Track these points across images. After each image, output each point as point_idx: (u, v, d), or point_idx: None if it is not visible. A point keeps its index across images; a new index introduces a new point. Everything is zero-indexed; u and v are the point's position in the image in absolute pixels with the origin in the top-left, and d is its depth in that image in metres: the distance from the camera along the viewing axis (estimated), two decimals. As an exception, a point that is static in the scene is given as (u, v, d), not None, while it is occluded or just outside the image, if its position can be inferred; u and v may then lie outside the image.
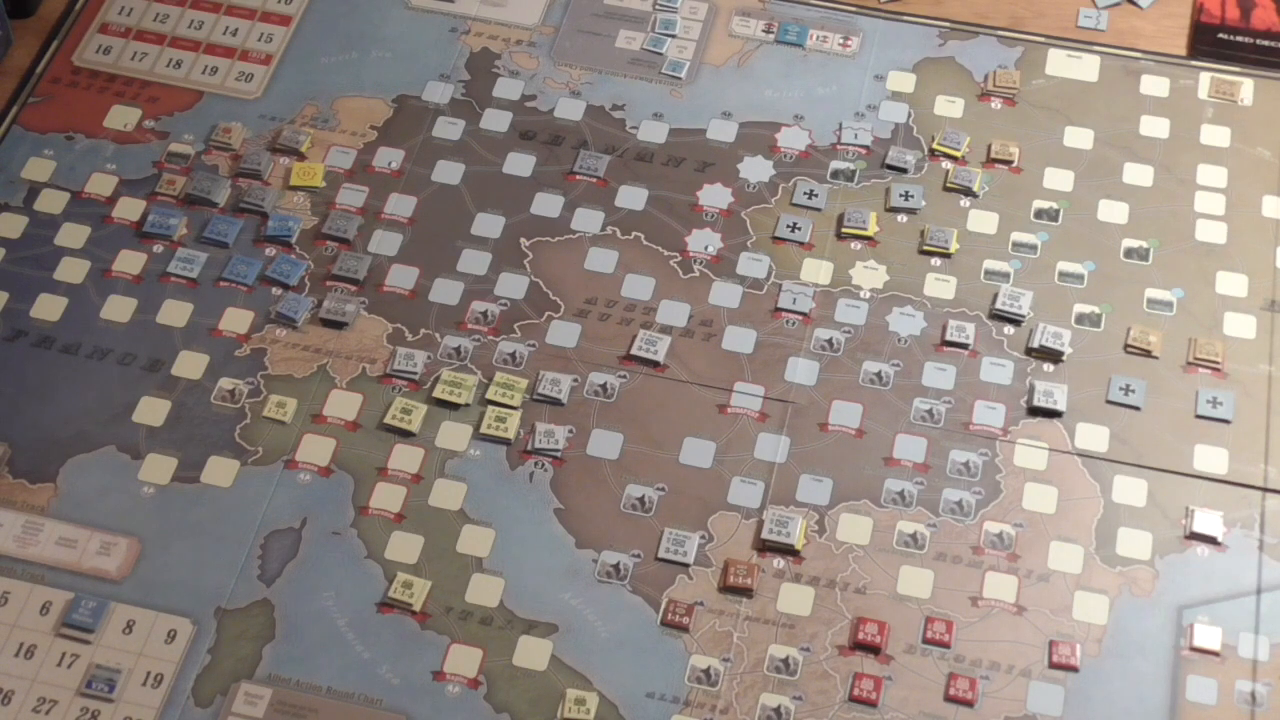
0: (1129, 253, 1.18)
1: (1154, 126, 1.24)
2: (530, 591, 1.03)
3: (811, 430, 1.10)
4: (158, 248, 1.19)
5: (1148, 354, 1.13)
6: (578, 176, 1.22)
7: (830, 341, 1.13)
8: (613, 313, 1.15)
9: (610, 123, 1.25)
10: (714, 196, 1.21)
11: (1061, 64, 1.28)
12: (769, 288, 1.16)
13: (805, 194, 1.21)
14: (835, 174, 1.22)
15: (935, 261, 1.18)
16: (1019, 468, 1.08)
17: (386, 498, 1.07)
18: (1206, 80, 1.27)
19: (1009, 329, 1.14)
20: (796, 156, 1.23)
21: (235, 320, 1.15)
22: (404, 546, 1.05)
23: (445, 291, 1.16)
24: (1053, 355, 1.13)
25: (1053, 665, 1.00)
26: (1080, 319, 1.15)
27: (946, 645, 1.01)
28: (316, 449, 1.09)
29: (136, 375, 1.12)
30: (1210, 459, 1.08)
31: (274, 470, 1.08)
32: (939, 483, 1.07)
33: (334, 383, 1.12)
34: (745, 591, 1.03)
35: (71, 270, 1.17)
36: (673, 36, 1.30)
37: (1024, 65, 1.28)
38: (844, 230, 1.19)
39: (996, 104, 1.26)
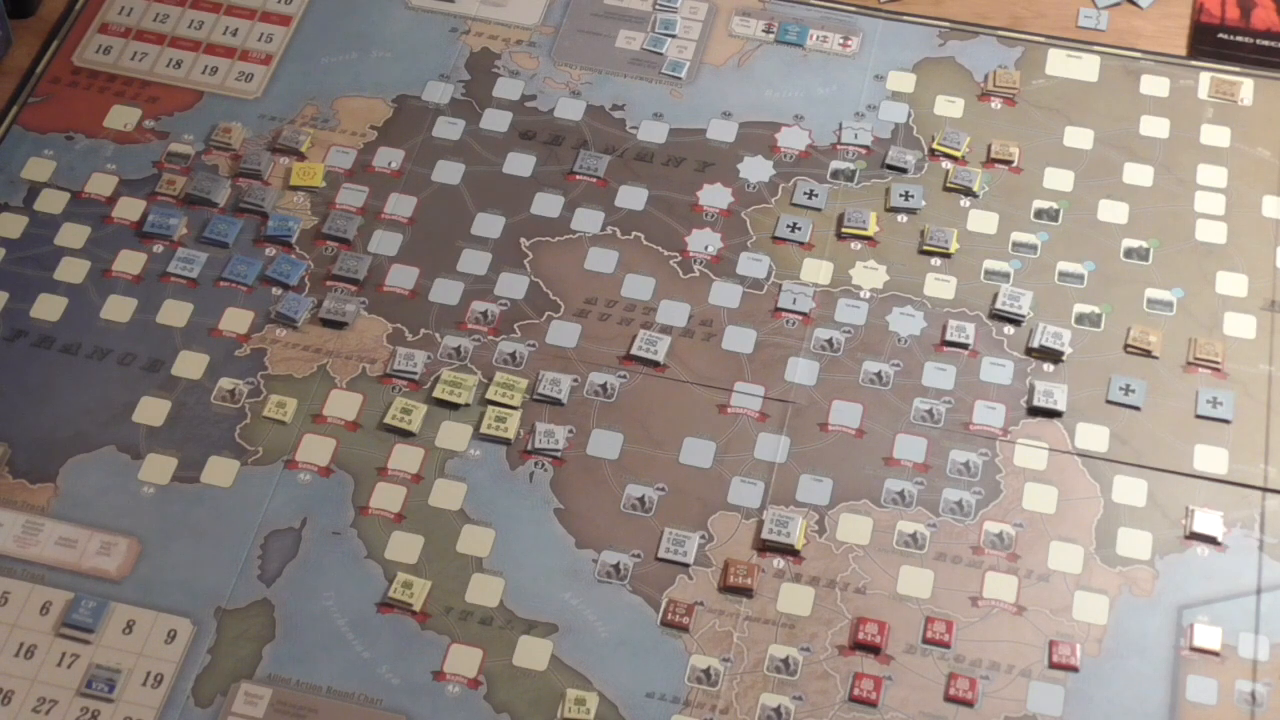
0: (1129, 253, 1.18)
1: (1154, 126, 1.24)
2: (530, 591, 1.03)
3: (811, 430, 1.10)
4: (158, 248, 1.19)
5: (1148, 354, 1.13)
6: (578, 176, 1.22)
7: (830, 341, 1.13)
8: (613, 313, 1.15)
9: (610, 123, 1.25)
10: (714, 196, 1.21)
11: (1061, 64, 1.28)
12: (769, 288, 1.16)
13: (805, 194, 1.21)
14: (835, 174, 1.22)
15: (935, 261, 1.18)
16: (1019, 468, 1.08)
17: (386, 498, 1.07)
18: (1206, 80, 1.27)
19: (1009, 329, 1.14)
20: (796, 156, 1.23)
21: (235, 320, 1.15)
22: (404, 546, 1.05)
23: (445, 291, 1.16)
24: (1053, 355, 1.13)
25: (1053, 665, 1.00)
26: (1080, 319, 1.15)
27: (946, 645, 1.01)
28: (316, 449, 1.09)
29: (136, 375, 1.12)
30: (1210, 459, 1.08)
31: (274, 470, 1.08)
32: (939, 483, 1.07)
33: (334, 383, 1.12)
34: (745, 591, 1.03)
35: (71, 270, 1.17)
36: (673, 36, 1.30)
37: (1024, 65, 1.28)
38: (844, 230, 1.19)
39: (996, 104, 1.26)
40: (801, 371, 1.12)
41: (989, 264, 1.17)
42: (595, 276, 1.17)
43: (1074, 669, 1.00)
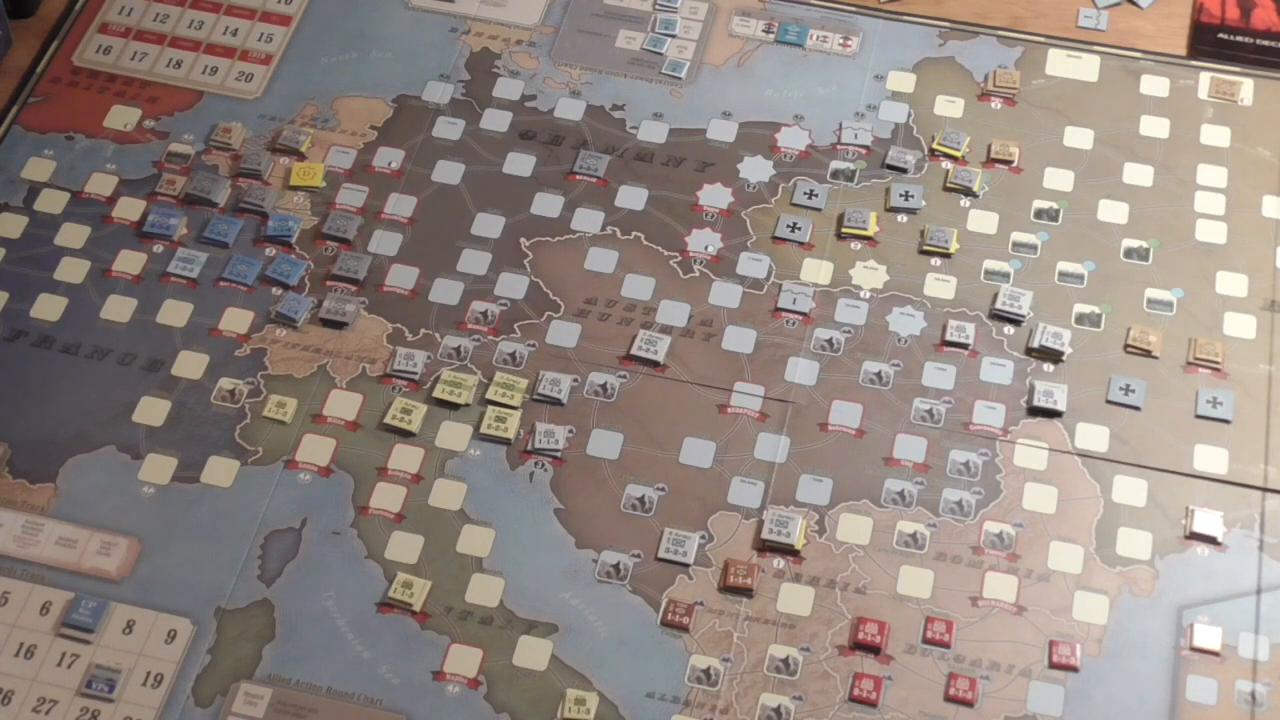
0: (1129, 253, 1.18)
1: (1154, 126, 1.24)
2: (530, 591, 1.03)
3: (811, 430, 1.10)
4: (158, 248, 1.19)
5: (1148, 354, 1.13)
6: (578, 176, 1.22)
7: (830, 341, 1.13)
8: (613, 313, 1.15)
9: (610, 123, 1.25)
10: (714, 196, 1.21)
11: (1061, 64, 1.28)
12: (769, 288, 1.16)
13: (805, 194, 1.21)
14: (835, 174, 1.22)
15: (935, 261, 1.18)
16: (1019, 468, 1.08)
17: (386, 498, 1.07)
18: (1206, 80, 1.27)
19: (1009, 329, 1.14)
20: (796, 156, 1.23)
21: (235, 320, 1.15)
22: (404, 546, 1.05)
23: (445, 291, 1.16)
24: (1053, 355, 1.13)
25: (1053, 665, 1.00)
26: (1080, 319, 1.15)
27: (946, 645, 1.01)
28: (316, 449, 1.09)
29: (136, 375, 1.12)
30: (1210, 459, 1.08)
31: (274, 470, 1.08)
32: (939, 483, 1.07)
33: (334, 383, 1.12)
34: (745, 591, 1.03)
35: (71, 270, 1.17)
36: (673, 36, 1.30)
37: (1024, 65, 1.28)
38: (844, 230, 1.19)
39: (996, 104, 1.26)
40: (801, 371, 1.12)
41: (989, 264, 1.17)
42: (595, 276, 1.17)
43: (1074, 669, 1.00)
